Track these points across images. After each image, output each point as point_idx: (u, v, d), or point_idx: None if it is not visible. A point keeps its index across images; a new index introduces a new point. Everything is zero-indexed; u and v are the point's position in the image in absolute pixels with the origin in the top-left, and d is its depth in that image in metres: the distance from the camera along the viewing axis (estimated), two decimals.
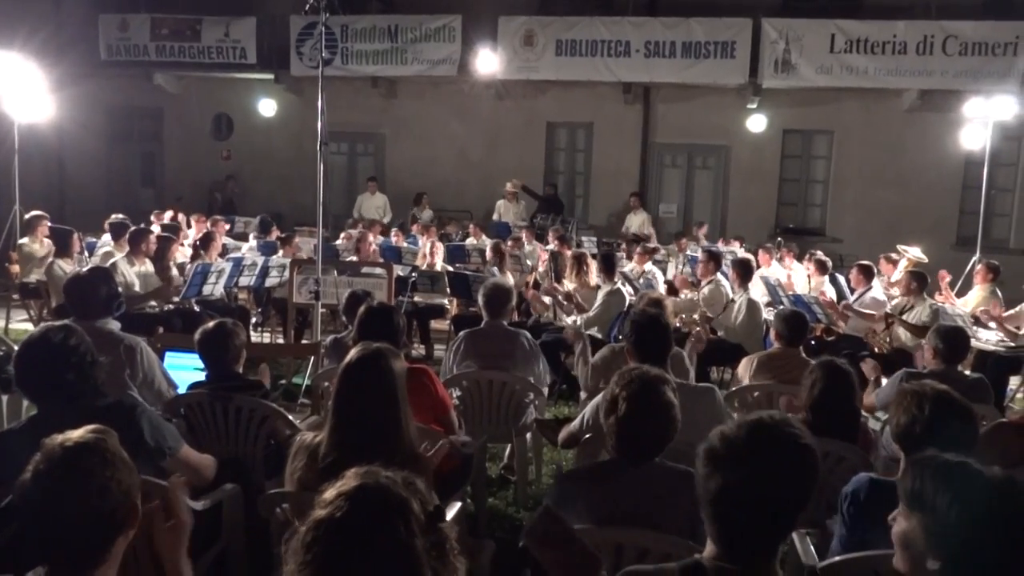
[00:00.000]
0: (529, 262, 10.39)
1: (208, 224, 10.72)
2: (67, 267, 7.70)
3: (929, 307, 7.17)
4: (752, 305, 7.18)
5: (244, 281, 8.54)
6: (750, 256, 9.26)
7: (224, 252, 9.50)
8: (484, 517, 4.56)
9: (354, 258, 9.60)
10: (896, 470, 2.98)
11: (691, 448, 1.90)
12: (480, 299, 5.33)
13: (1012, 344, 7.14)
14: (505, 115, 15.15)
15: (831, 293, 8.77)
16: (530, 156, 15.24)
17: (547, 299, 8.13)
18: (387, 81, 15.16)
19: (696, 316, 7.53)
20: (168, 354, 4.64)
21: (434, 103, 15.26)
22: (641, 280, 8.95)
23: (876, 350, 7.23)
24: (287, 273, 8.10)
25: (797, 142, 14.75)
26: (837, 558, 2.69)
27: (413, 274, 8.85)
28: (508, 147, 15.20)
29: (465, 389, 4.90)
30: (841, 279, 9.36)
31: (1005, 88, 11.64)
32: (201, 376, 4.06)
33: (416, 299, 8.74)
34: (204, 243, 8.91)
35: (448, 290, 8.80)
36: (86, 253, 9.16)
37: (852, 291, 8.22)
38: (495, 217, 13.89)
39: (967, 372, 5.43)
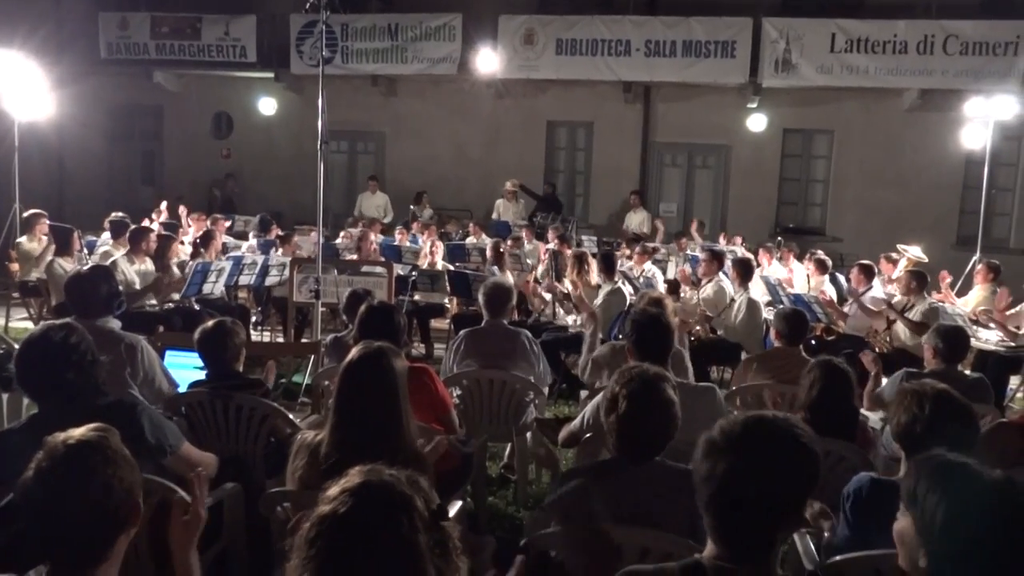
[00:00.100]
0: (530, 261, 10.39)
1: (208, 223, 10.72)
2: (67, 265, 7.70)
3: (928, 305, 7.16)
4: (752, 304, 7.19)
5: (244, 280, 8.54)
6: (750, 255, 9.28)
7: (224, 251, 9.51)
8: (484, 516, 4.56)
9: (354, 257, 9.60)
10: (896, 469, 2.98)
11: (691, 447, 1.90)
12: (480, 298, 5.34)
13: (1012, 344, 7.14)
14: (505, 114, 15.14)
15: (831, 293, 8.78)
16: (530, 155, 15.24)
17: (547, 296, 8.13)
18: (387, 80, 15.15)
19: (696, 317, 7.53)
20: (168, 353, 4.64)
21: (434, 102, 15.26)
22: (641, 279, 8.95)
23: (876, 350, 7.22)
24: (287, 272, 8.11)
25: (797, 141, 14.75)
26: (838, 557, 2.69)
27: (413, 273, 8.85)
28: (508, 146, 15.20)
29: (465, 388, 4.90)
30: (841, 278, 9.36)
31: (1005, 88, 11.64)
32: (201, 375, 4.06)
33: (416, 298, 8.75)
34: (204, 242, 8.92)
35: (448, 289, 8.80)
36: (86, 251, 9.16)
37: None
38: (494, 216, 13.89)
39: (967, 372, 5.43)
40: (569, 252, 8.81)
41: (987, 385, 4.80)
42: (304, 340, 8.06)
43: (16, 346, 4.42)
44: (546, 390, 5.39)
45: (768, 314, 7.08)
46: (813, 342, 7.26)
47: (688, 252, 11.02)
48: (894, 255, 9.62)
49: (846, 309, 7.98)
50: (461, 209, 14.60)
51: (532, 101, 15.00)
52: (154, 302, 7.51)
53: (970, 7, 12.83)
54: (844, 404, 3.71)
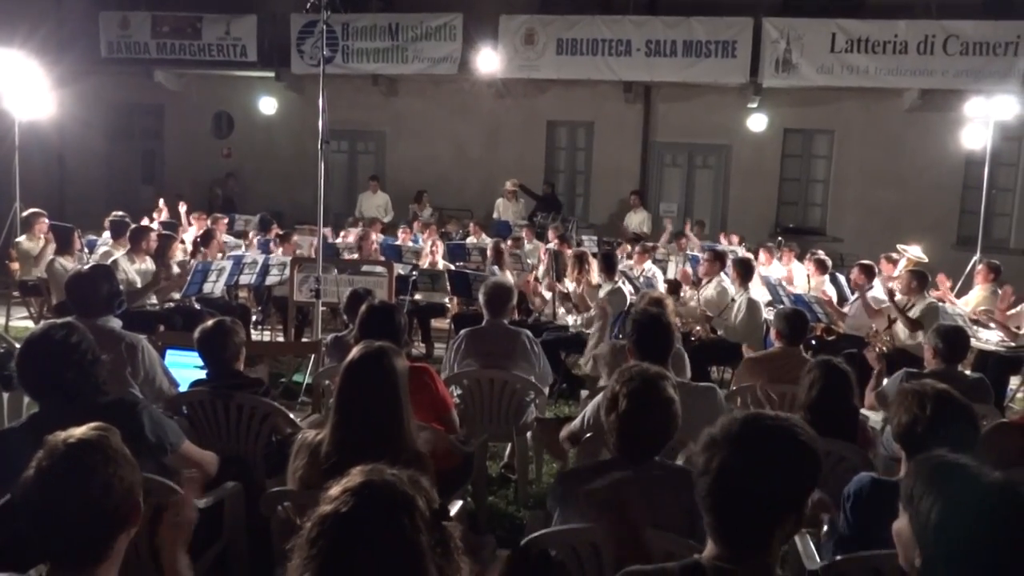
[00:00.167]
0: (531, 261, 10.39)
1: (208, 222, 10.72)
2: (68, 265, 7.70)
3: (927, 304, 7.15)
4: (752, 304, 7.19)
5: (245, 279, 8.54)
6: (750, 255, 9.27)
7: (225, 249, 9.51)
8: (484, 515, 4.56)
9: (355, 256, 9.61)
10: (897, 470, 2.99)
11: (692, 447, 1.91)
12: (481, 298, 5.34)
13: (1012, 344, 7.14)
14: (506, 114, 15.14)
15: (831, 293, 8.78)
16: (531, 155, 15.24)
17: (547, 295, 8.13)
18: (388, 79, 15.15)
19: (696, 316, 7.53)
20: (169, 352, 4.65)
21: (435, 101, 15.26)
22: (641, 279, 8.96)
23: (877, 349, 7.22)
24: (287, 271, 8.11)
25: (798, 141, 14.75)
26: (838, 557, 2.69)
27: (414, 273, 8.85)
28: (509, 146, 15.20)
29: (466, 388, 4.90)
30: (841, 278, 9.36)
31: (1006, 88, 11.63)
32: (202, 374, 4.07)
33: (417, 298, 8.75)
34: (205, 241, 8.92)
35: (448, 289, 8.81)
36: (87, 250, 9.17)
37: (853, 291, 8.21)
38: (495, 216, 13.89)
39: (967, 372, 5.43)
40: (569, 252, 8.81)
41: (987, 385, 4.80)
42: (304, 340, 8.06)
43: (17, 345, 4.43)
44: (547, 390, 5.40)
45: (768, 314, 7.08)
46: (813, 342, 7.27)
47: (688, 252, 11.02)
48: (894, 255, 9.61)
49: (845, 309, 7.99)
50: (461, 209, 14.60)
51: (532, 101, 15.00)
52: (155, 301, 7.51)
53: (971, 7, 12.82)
54: (844, 404, 3.72)
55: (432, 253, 10.00)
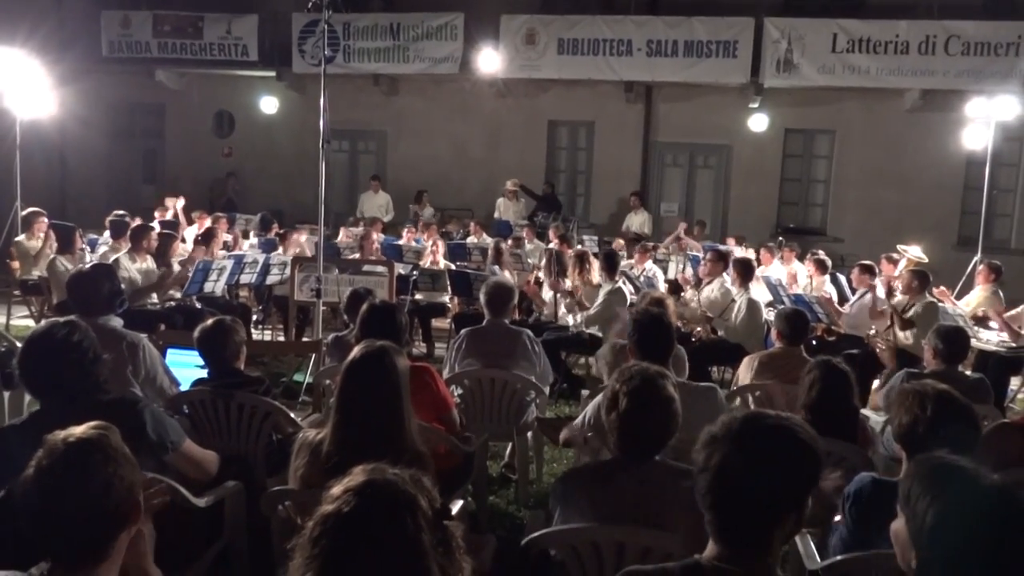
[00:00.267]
0: (531, 260, 10.39)
1: (209, 221, 10.73)
2: (68, 264, 7.71)
3: (923, 304, 7.15)
4: (753, 305, 7.18)
5: (245, 279, 8.54)
6: (751, 255, 9.27)
7: (226, 248, 9.52)
8: (485, 515, 4.56)
9: (356, 256, 9.61)
10: (897, 470, 2.98)
11: (693, 447, 1.91)
12: (482, 297, 5.34)
13: (1013, 344, 7.13)
14: (507, 113, 15.15)
15: (831, 293, 8.78)
16: (531, 154, 15.25)
17: (547, 295, 8.13)
18: (389, 79, 15.15)
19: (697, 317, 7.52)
20: (170, 351, 4.65)
21: (436, 101, 15.26)
22: (642, 279, 8.95)
23: (877, 350, 7.23)
24: (288, 271, 8.12)
25: (799, 141, 14.75)
26: (838, 557, 2.69)
27: (414, 272, 8.85)
28: (509, 145, 15.20)
29: (467, 387, 4.90)
30: (842, 278, 9.36)
31: (1007, 88, 11.62)
32: (203, 373, 4.07)
33: (418, 297, 8.75)
34: (205, 240, 8.92)
35: (449, 288, 8.81)
36: (88, 249, 9.17)
37: (853, 291, 8.21)
38: (496, 215, 13.90)
39: (968, 372, 5.43)
40: (570, 252, 8.81)
41: (987, 386, 4.80)
42: (305, 339, 8.07)
43: (18, 344, 4.43)
44: (547, 390, 5.40)
45: (769, 314, 7.08)
46: (814, 342, 7.27)
47: (689, 252, 11.02)
48: (895, 255, 9.61)
49: (845, 309, 7.98)
50: (462, 208, 14.61)
51: (533, 101, 15.00)
52: (155, 300, 7.51)
53: (972, 7, 12.82)
54: (844, 404, 3.72)
55: (433, 253, 10.00)
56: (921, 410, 2.78)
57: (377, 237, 10.65)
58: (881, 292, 7.88)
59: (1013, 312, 7.44)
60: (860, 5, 13.61)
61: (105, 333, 3.87)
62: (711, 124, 14.49)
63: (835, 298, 8.60)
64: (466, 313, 8.21)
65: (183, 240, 9.54)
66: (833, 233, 14.38)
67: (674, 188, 15.30)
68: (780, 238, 12.22)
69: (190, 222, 11.58)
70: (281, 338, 8.74)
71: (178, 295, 7.74)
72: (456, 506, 3.17)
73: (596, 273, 7.63)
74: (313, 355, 5.68)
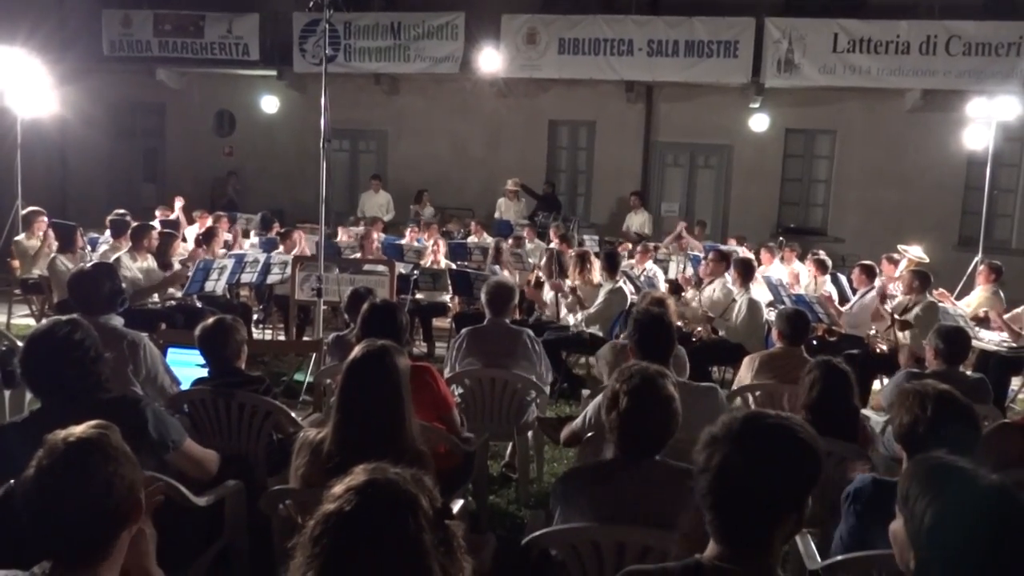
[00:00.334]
0: (532, 260, 10.39)
1: (210, 220, 10.74)
2: (69, 263, 7.71)
3: (924, 305, 7.15)
4: (753, 305, 7.18)
5: (246, 278, 8.54)
6: (751, 255, 9.27)
7: (227, 247, 9.52)
8: (485, 514, 4.56)
9: (357, 255, 9.61)
10: (898, 470, 2.98)
11: (693, 447, 1.91)
12: (483, 297, 5.34)
13: (1014, 344, 7.13)
14: (507, 113, 15.14)
15: (832, 293, 8.78)
16: (532, 154, 15.25)
17: (547, 296, 8.13)
18: (390, 78, 15.15)
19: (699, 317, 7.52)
20: (170, 350, 4.65)
21: (437, 101, 15.26)
22: (643, 279, 8.95)
23: (878, 349, 7.23)
24: (289, 270, 8.12)
25: (799, 142, 14.74)
26: (839, 557, 2.70)
27: (415, 272, 8.85)
28: (510, 145, 15.20)
29: (467, 387, 4.91)
30: (843, 279, 9.36)
31: (1008, 88, 11.61)
32: (203, 372, 4.07)
33: (418, 297, 8.76)
34: (206, 239, 8.92)
35: (450, 288, 8.81)
36: (89, 248, 9.17)
37: (854, 291, 8.21)
38: (496, 215, 13.90)
39: (968, 372, 5.43)
40: (570, 252, 8.81)
41: (988, 386, 4.80)
42: (306, 338, 8.07)
43: (18, 343, 4.43)
44: (548, 389, 5.40)
45: (769, 315, 7.08)
46: (815, 343, 7.27)
47: (690, 252, 11.02)
48: (895, 256, 9.61)
49: (845, 309, 7.98)
50: (463, 208, 14.60)
51: (534, 100, 15.00)
52: (156, 299, 7.52)
53: (973, 8, 12.81)
54: (844, 404, 3.72)
55: (434, 252, 10.01)
56: (921, 410, 2.79)
57: (377, 236, 10.66)
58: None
59: (1014, 312, 7.44)
60: (861, 5, 13.60)
61: (106, 332, 3.86)
62: (712, 124, 14.49)
63: (836, 298, 8.59)
64: (467, 313, 8.22)
65: (184, 239, 9.54)
66: (834, 233, 14.37)
67: (675, 188, 15.29)
68: (781, 238, 12.21)
69: (191, 221, 11.59)
70: (282, 337, 8.74)
71: (179, 294, 7.74)
72: (456, 505, 3.17)
73: (597, 273, 7.63)
74: (314, 354, 5.68)
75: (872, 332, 7.40)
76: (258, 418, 3.84)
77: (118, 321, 4.27)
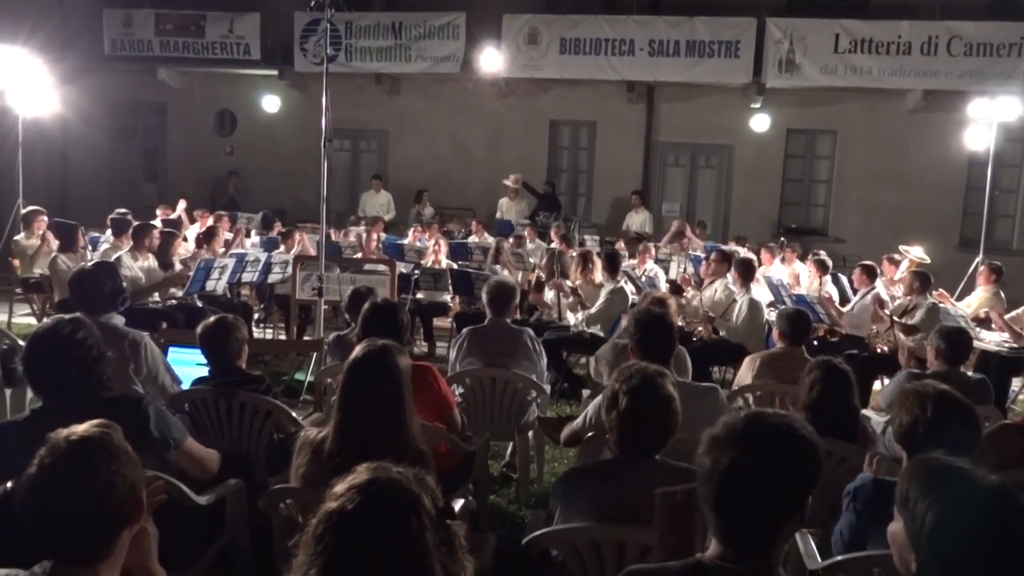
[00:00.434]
0: (533, 260, 10.40)
1: (211, 219, 10.74)
2: (70, 262, 7.72)
3: (926, 307, 7.15)
4: (754, 305, 7.18)
5: (247, 277, 8.55)
6: (752, 256, 9.27)
7: (226, 247, 9.53)
8: (486, 514, 4.57)
9: (358, 255, 9.62)
10: (898, 471, 2.99)
11: (694, 447, 1.91)
12: (484, 296, 5.34)
13: (1015, 345, 7.13)
14: (508, 113, 15.14)
15: (833, 293, 8.78)
16: (533, 154, 15.25)
17: (548, 296, 8.13)
18: (391, 78, 15.16)
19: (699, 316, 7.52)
20: (171, 349, 4.65)
21: (438, 100, 15.26)
22: (643, 279, 8.96)
23: (879, 350, 7.24)
24: (290, 270, 8.12)
25: (800, 142, 14.74)
26: (839, 557, 2.70)
27: (416, 272, 8.86)
28: (511, 145, 15.20)
29: (468, 387, 4.91)
30: (843, 279, 9.36)
31: (1009, 89, 11.60)
32: (204, 371, 4.07)
33: (419, 296, 8.76)
34: (207, 238, 8.92)
35: (451, 288, 8.81)
36: (90, 248, 9.17)
37: (855, 292, 8.22)
38: (497, 215, 13.90)
39: (969, 373, 5.43)
40: (571, 252, 8.82)
41: (989, 386, 4.80)
42: (307, 338, 8.07)
43: (20, 342, 4.44)
44: (548, 389, 5.40)
45: (770, 315, 7.08)
46: (815, 343, 7.27)
47: (690, 252, 11.03)
48: (896, 256, 9.61)
49: (846, 310, 7.98)
50: (463, 208, 14.61)
51: (535, 100, 15.00)
52: (157, 298, 7.52)
53: (974, 8, 12.81)
54: (844, 404, 3.73)
55: (435, 252, 10.01)
56: (921, 410, 2.79)
57: (378, 236, 10.66)
58: (883, 293, 7.87)
59: (1014, 313, 7.44)
60: (862, 5, 13.60)
61: (107, 331, 3.86)
62: (713, 124, 14.48)
63: (836, 299, 8.59)
64: (467, 312, 8.22)
65: (185, 239, 9.54)
66: (835, 234, 14.37)
67: (676, 188, 15.29)
68: (782, 239, 12.22)
69: (192, 221, 11.60)
70: (283, 337, 8.75)
71: (180, 293, 7.75)
72: (457, 505, 3.18)
73: (599, 273, 7.64)
74: (314, 354, 5.68)
75: (873, 331, 7.40)
76: (259, 417, 3.84)
77: (119, 320, 4.27)
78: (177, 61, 15.24)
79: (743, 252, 10.17)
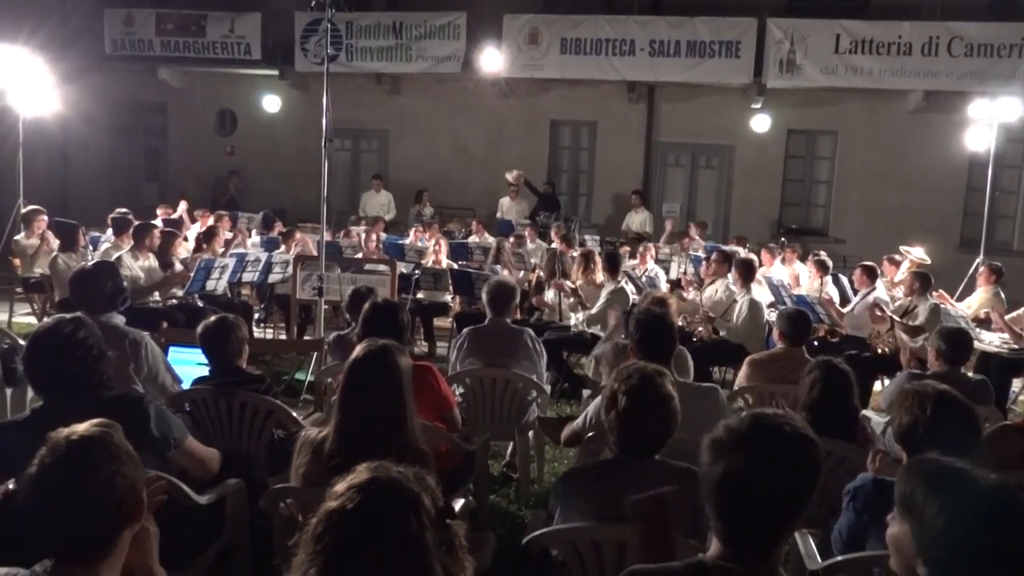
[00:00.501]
0: (533, 260, 10.40)
1: (212, 219, 10.75)
2: (71, 261, 7.72)
3: (929, 307, 7.15)
4: (754, 305, 7.18)
5: (247, 277, 8.55)
6: (752, 256, 9.27)
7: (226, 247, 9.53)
8: (486, 514, 4.57)
9: (359, 255, 9.62)
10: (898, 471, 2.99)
11: (694, 447, 1.91)
12: (484, 296, 5.34)
13: (1015, 346, 7.13)
14: (509, 113, 15.14)
15: (833, 294, 8.78)
16: (534, 154, 15.24)
17: (549, 296, 8.13)
18: (391, 78, 15.16)
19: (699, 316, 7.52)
20: (172, 349, 4.65)
21: (438, 100, 15.26)
22: (644, 279, 8.96)
23: (879, 351, 7.23)
24: (290, 269, 8.12)
25: (801, 142, 14.73)
26: (839, 557, 2.70)
27: (416, 271, 8.86)
28: (512, 145, 15.20)
29: (468, 386, 4.91)
30: (844, 280, 9.36)
31: (1010, 90, 11.60)
32: (204, 371, 4.07)
33: (419, 296, 8.76)
34: (207, 238, 8.92)
35: (451, 288, 8.81)
36: (90, 247, 9.17)
37: (855, 292, 8.21)
38: (499, 215, 13.90)
39: (970, 374, 5.43)
40: (571, 252, 8.81)
41: (989, 387, 4.81)
42: (307, 338, 8.08)
43: (20, 341, 4.44)
44: (548, 389, 5.40)
45: (770, 315, 7.08)
46: (816, 343, 7.27)
47: (691, 252, 11.03)
48: (897, 257, 9.61)
49: (846, 310, 7.98)
50: (464, 208, 14.61)
51: (536, 100, 15.00)
52: (157, 298, 7.53)
53: (975, 9, 12.80)
54: (844, 404, 3.72)
55: (436, 252, 10.02)
56: (921, 411, 2.79)
57: (378, 236, 10.67)
58: (884, 294, 7.87)
59: (1015, 314, 7.44)
60: (863, 6, 13.60)
61: (107, 330, 3.87)
62: (713, 124, 14.48)
63: (837, 300, 8.59)
64: (468, 312, 8.22)
65: (185, 239, 9.54)
66: (835, 234, 14.36)
67: (676, 188, 15.29)
68: (782, 239, 12.21)
69: (193, 221, 11.60)
70: (283, 337, 8.75)
71: (180, 293, 7.75)
72: (457, 505, 3.18)
73: (600, 272, 7.64)
74: (315, 354, 5.68)
75: (874, 332, 7.40)
76: (259, 417, 3.85)
77: (119, 320, 4.28)
78: (178, 61, 15.25)
79: (743, 253, 10.18)
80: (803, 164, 14.81)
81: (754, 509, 1.76)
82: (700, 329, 7.34)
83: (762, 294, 8.09)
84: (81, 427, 1.94)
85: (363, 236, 10.71)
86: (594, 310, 7.28)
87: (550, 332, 7.15)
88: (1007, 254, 12.53)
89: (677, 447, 2.76)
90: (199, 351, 4.03)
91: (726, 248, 9.63)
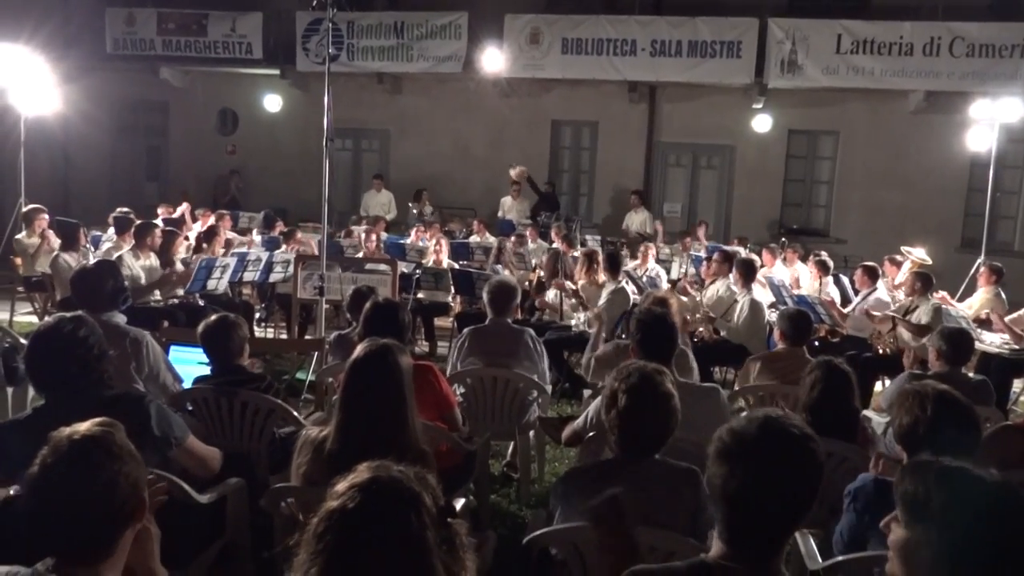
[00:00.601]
0: (534, 260, 10.41)
1: (213, 218, 10.75)
2: (72, 260, 7.73)
3: (932, 307, 7.16)
4: (755, 305, 7.18)
5: (248, 276, 8.56)
6: (754, 256, 9.27)
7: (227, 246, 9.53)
8: (487, 513, 4.57)
9: (360, 254, 9.62)
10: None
11: (695, 447, 1.92)
12: (485, 296, 5.34)
13: (1016, 347, 7.13)
14: (510, 113, 15.14)
15: (834, 294, 8.78)
16: (535, 154, 15.23)
17: (550, 296, 8.13)
18: (392, 78, 15.16)
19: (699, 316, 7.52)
20: (172, 348, 4.66)
21: (439, 100, 15.27)
22: (645, 279, 8.96)
23: (880, 351, 7.23)
24: (291, 269, 8.13)
25: (802, 142, 14.73)
26: (839, 558, 2.70)
27: (417, 271, 8.86)
28: (513, 145, 15.19)
29: (469, 386, 4.91)
30: (845, 280, 9.35)
31: (1011, 90, 11.59)
32: (205, 370, 4.08)
33: (420, 296, 8.76)
34: (208, 237, 8.93)
35: (452, 287, 8.82)
36: (91, 246, 9.18)
37: (856, 292, 8.21)
38: (500, 214, 13.91)
39: (971, 374, 5.43)
40: (572, 252, 8.81)
41: (990, 388, 4.81)
42: (308, 337, 8.08)
43: (22, 340, 4.44)
44: (549, 388, 5.40)
45: (771, 315, 7.08)
46: (817, 343, 7.27)
47: (692, 252, 11.03)
48: (898, 257, 9.61)
49: (847, 310, 7.98)
50: (465, 208, 14.61)
51: (537, 100, 15.00)
52: (158, 297, 7.53)
53: (977, 9, 12.80)
54: (845, 405, 3.73)
55: (436, 252, 10.02)
56: (921, 411, 2.79)
57: (378, 236, 10.67)
58: (884, 295, 7.87)
59: (1015, 315, 7.44)
60: (864, 6, 13.59)
61: (109, 329, 3.87)
62: (714, 124, 14.48)
63: (838, 300, 8.59)
64: (468, 312, 8.22)
65: (187, 239, 9.55)
66: (836, 234, 14.35)
67: (677, 188, 15.29)
68: (783, 239, 12.21)
69: (194, 220, 11.60)
70: (284, 336, 8.75)
71: (181, 292, 7.76)
72: (458, 504, 3.18)
73: (602, 272, 7.64)
74: (316, 353, 5.68)
75: (875, 332, 7.39)
76: (260, 416, 3.85)
77: (121, 319, 4.28)
78: (179, 60, 15.26)
79: (744, 253, 10.18)
80: (804, 164, 14.81)
81: (761, 513, 1.76)
82: (701, 329, 7.35)
83: (763, 294, 8.09)
84: (83, 426, 1.94)
85: (364, 236, 10.71)
86: (593, 311, 7.28)
87: (551, 332, 7.15)
88: (1008, 255, 12.53)
89: (678, 447, 2.76)
90: (200, 350, 4.04)
91: (727, 248, 9.63)
